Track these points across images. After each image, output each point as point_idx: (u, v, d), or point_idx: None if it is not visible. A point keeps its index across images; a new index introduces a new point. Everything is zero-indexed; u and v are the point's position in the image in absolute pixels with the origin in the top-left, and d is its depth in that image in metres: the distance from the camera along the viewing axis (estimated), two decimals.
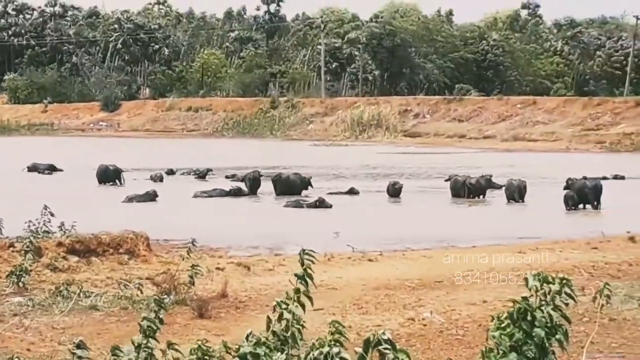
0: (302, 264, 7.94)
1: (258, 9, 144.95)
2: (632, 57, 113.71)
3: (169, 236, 27.97)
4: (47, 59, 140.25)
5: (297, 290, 7.75)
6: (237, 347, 7.15)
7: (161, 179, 50.64)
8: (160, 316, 8.38)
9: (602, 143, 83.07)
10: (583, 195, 39.58)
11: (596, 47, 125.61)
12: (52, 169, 55.84)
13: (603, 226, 31.64)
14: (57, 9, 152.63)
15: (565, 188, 40.35)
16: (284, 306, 7.66)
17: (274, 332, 7.37)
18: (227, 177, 50.54)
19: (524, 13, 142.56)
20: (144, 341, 7.79)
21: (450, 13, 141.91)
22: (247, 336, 7.07)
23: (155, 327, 7.97)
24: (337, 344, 6.43)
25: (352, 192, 44.45)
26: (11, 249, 23.12)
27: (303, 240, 18.63)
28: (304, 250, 8.15)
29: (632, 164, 60.51)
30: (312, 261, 8.03)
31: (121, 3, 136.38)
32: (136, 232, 26.30)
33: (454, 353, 12.48)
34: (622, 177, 51.54)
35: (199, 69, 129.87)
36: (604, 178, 44.16)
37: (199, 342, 7.71)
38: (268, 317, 7.57)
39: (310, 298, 7.84)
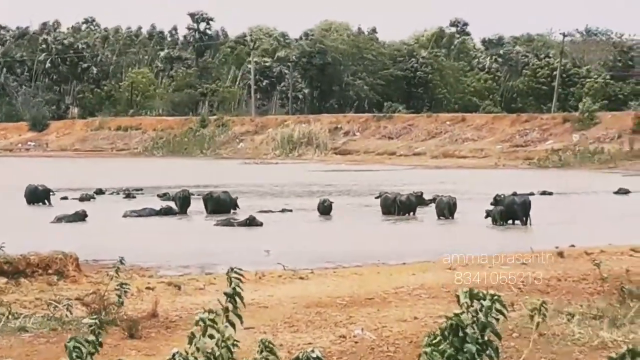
0: (230, 283, 7.95)
1: (188, 28, 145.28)
2: (559, 73, 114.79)
3: (99, 256, 27.83)
4: None
5: (226, 309, 7.75)
6: None
7: (90, 199, 50.40)
8: (100, 339, 8.35)
9: (531, 159, 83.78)
10: (512, 211, 39.87)
11: (523, 64, 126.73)
12: None
13: (532, 242, 31.82)
14: None
15: (493, 204, 40.62)
16: (208, 322, 7.68)
17: (197, 348, 7.37)
18: (158, 195, 50.50)
19: (452, 30, 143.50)
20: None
21: (373, 30, 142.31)
22: (174, 355, 7.06)
23: (84, 349, 7.94)
24: None
25: (284, 210, 44.59)
26: None
27: (234, 258, 18.63)
28: (232, 268, 8.15)
29: (559, 180, 61.10)
30: (240, 280, 8.04)
31: (49, 18, 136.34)
32: (65, 252, 26.13)
33: None
34: (550, 193, 52.00)
35: (128, 87, 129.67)
36: (532, 194, 44.49)
37: None
38: (192, 333, 7.56)
39: (239, 316, 7.84)
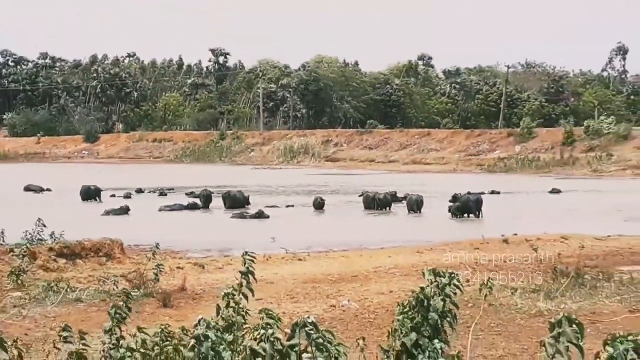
0: (244, 263, 7.91)
1: (210, 61, 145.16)
2: (504, 97, 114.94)
3: (139, 242, 27.76)
4: (39, 101, 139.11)
5: (240, 285, 7.73)
6: (193, 330, 7.09)
7: (130, 196, 50.38)
8: (129, 305, 8.29)
9: (482, 165, 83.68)
10: (467, 206, 39.84)
11: (476, 90, 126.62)
12: (44, 189, 55.48)
13: (483, 231, 31.71)
14: (48, 60, 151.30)
15: (452, 201, 40.59)
16: (230, 297, 7.64)
17: (222, 318, 7.32)
18: (186, 194, 50.30)
19: (420, 63, 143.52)
20: (114, 326, 7.70)
21: (356, 63, 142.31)
22: (198, 321, 7.01)
23: (123, 315, 7.87)
24: (272, 326, 6.37)
25: (287, 206, 44.51)
26: (11, 253, 22.87)
27: (246, 244, 18.56)
28: (245, 252, 8.13)
29: (505, 182, 61.07)
30: (252, 261, 8.01)
31: (98, 51, 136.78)
32: (112, 239, 26.15)
33: (367, 333, 12.45)
34: (498, 192, 51.94)
35: (162, 108, 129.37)
36: (483, 193, 44.41)
37: (162, 327, 7.62)
38: (218, 305, 7.52)
39: (251, 290, 7.81)
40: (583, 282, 19.00)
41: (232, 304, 7.57)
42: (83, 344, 6.87)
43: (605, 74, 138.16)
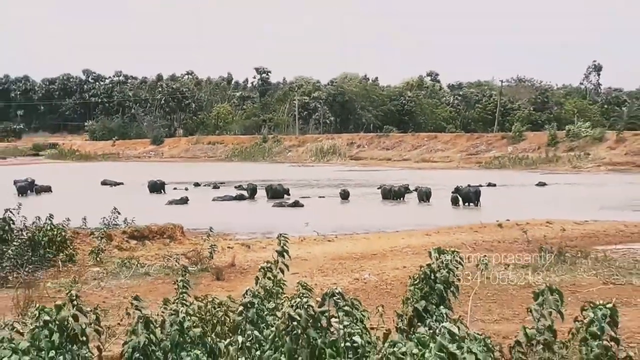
0: (280, 244, 7.91)
1: (254, 78, 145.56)
2: (499, 106, 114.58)
3: (197, 226, 27.81)
4: (114, 111, 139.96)
5: (276, 262, 7.73)
6: (240, 299, 7.09)
7: (188, 189, 50.56)
8: (187, 279, 8.30)
9: (480, 163, 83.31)
10: (467, 197, 39.75)
11: (475, 101, 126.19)
12: (118, 183, 55.83)
13: (481, 217, 31.65)
14: (121, 77, 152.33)
15: (454, 192, 40.50)
16: (268, 270, 7.65)
17: (262, 287, 7.33)
18: (235, 187, 50.42)
19: (428, 78, 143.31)
20: (181, 294, 7.72)
21: (376, 79, 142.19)
22: (246, 292, 7.01)
23: (186, 286, 7.90)
24: (306, 296, 6.35)
25: (319, 196, 44.54)
26: (91, 236, 23.04)
27: (285, 228, 18.60)
28: (280, 234, 8.13)
29: (499, 177, 60.68)
30: (286, 241, 8.01)
31: (162, 69, 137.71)
32: (174, 224, 26.38)
33: (385, 301, 12.43)
34: (494, 185, 51.77)
35: (215, 116, 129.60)
36: (481, 185, 44.23)
37: (213, 296, 7.62)
38: (257, 277, 7.52)
39: (287, 266, 7.82)
40: (564, 259, 18.95)
41: (269, 276, 7.61)
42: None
43: (582, 86, 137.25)
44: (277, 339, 6.17)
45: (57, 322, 6.11)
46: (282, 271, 7.79)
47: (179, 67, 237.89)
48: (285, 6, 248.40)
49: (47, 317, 6.13)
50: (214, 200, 43.73)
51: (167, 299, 7.42)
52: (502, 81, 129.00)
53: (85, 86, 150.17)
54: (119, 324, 10.79)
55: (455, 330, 5.29)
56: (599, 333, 5.52)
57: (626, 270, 17.92)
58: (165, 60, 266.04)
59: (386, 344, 5.69)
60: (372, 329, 6.86)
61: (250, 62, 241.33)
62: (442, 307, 7.08)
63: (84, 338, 6.26)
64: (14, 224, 20.70)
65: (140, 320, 6.65)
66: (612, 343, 5.47)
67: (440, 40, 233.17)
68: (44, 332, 6.07)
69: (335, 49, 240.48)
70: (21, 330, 6.47)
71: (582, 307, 5.89)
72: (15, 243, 19.26)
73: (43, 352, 5.90)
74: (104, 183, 56.25)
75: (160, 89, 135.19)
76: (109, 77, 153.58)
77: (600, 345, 5.38)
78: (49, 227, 20.38)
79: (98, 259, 20.48)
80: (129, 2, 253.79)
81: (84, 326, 6.29)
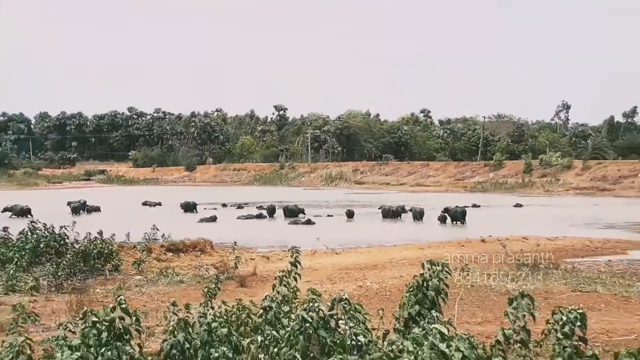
0: (292, 256, 7.90)
1: (273, 114, 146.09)
2: (482, 139, 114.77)
3: (224, 241, 27.73)
4: (154, 142, 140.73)
5: (290, 271, 7.72)
6: (260, 303, 7.10)
7: (216, 209, 50.56)
8: (219, 286, 8.31)
9: (466, 187, 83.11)
10: (455, 216, 39.63)
11: (462, 134, 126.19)
12: (157, 204, 55.91)
13: (466, 233, 31.56)
14: (160, 114, 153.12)
15: (443, 212, 40.48)
16: (284, 278, 7.65)
17: (278, 292, 7.33)
18: (257, 207, 50.41)
19: (421, 115, 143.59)
20: (208, 300, 7.73)
21: (377, 115, 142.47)
22: (265, 297, 7.01)
23: (213, 292, 7.90)
24: (316, 301, 6.35)
25: (328, 215, 44.47)
26: (134, 249, 23.08)
27: (299, 242, 18.58)
28: (293, 247, 8.13)
29: (482, 199, 60.54)
30: (299, 253, 8.01)
31: (195, 107, 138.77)
32: (205, 238, 26.32)
33: (384, 305, 12.36)
34: (478, 206, 51.57)
35: (240, 147, 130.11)
36: (467, 206, 44.08)
37: (238, 300, 7.61)
38: (273, 284, 7.52)
39: (299, 274, 7.82)
40: (538, 270, 18.90)
41: (285, 284, 7.63)
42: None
43: (553, 122, 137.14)
44: (292, 338, 6.19)
45: (105, 323, 6.15)
46: (296, 279, 7.80)
47: (210, 104, 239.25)
48: (299, 53, 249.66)
49: (95, 318, 6.17)
50: (238, 218, 43.69)
51: (188, 304, 7.45)
52: (484, 117, 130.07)
53: (129, 121, 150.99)
54: (157, 324, 10.80)
55: (445, 331, 5.30)
56: (570, 334, 5.51)
57: (591, 279, 17.87)
58: (198, 99, 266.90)
59: (385, 343, 5.69)
60: (373, 329, 6.85)
61: (270, 101, 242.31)
62: (433, 310, 7.07)
63: (128, 336, 6.30)
64: (68, 238, 20.83)
65: (179, 322, 6.69)
66: (581, 343, 5.46)
67: (433, 82, 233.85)
68: (93, 331, 6.10)
69: (342, 89, 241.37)
70: (74, 330, 6.49)
71: (553, 311, 5.89)
72: (69, 255, 19.32)
73: (92, 349, 5.93)
74: (144, 204, 56.35)
75: (193, 124, 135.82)
76: (150, 114, 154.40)
77: (571, 345, 5.36)
78: (98, 242, 20.43)
79: (139, 268, 20.50)
80: (166, 48, 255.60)
81: (128, 326, 6.32)
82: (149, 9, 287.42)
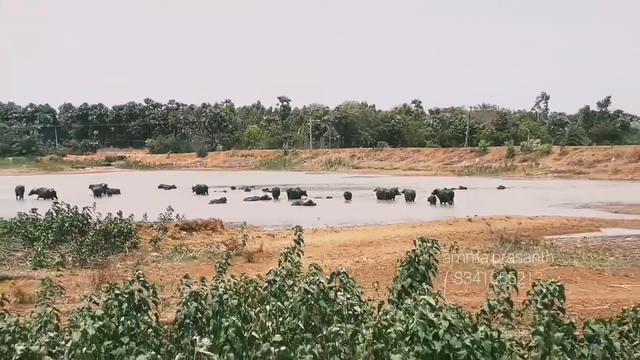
0: (296, 234, 7.91)
1: (277, 105, 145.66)
2: (468, 127, 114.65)
3: (233, 220, 27.79)
4: (168, 131, 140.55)
5: (294, 248, 7.73)
6: (266, 277, 7.12)
7: (226, 191, 50.56)
8: (228, 261, 8.32)
9: (454, 171, 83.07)
10: (444, 197, 39.75)
11: (450, 122, 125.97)
12: (172, 187, 55.94)
13: (454, 213, 31.62)
14: (174, 105, 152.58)
15: (432, 194, 40.54)
16: (289, 254, 7.66)
17: (282, 267, 7.35)
18: (263, 190, 50.48)
19: (413, 105, 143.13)
20: (219, 274, 7.76)
21: (373, 105, 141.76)
22: (270, 271, 7.02)
23: (224, 267, 7.91)
24: (317, 275, 6.36)
25: (328, 197, 44.54)
26: (151, 228, 23.11)
27: (301, 222, 18.58)
28: (297, 226, 8.14)
29: (469, 182, 60.61)
30: (301, 232, 8.02)
31: (206, 98, 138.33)
32: (215, 218, 26.40)
33: (379, 279, 12.35)
34: (465, 188, 51.64)
35: (247, 135, 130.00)
36: (455, 188, 44.08)
37: (245, 275, 7.63)
38: (279, 260, 7.53)
39: (302, 251, 7.84)
40: (520, 246, 18.94)
41: (289, 259, 7.65)
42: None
43: (534, 111, 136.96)
44: (295, 308, 6.21)
45: (125, 295, 6.18)
46: (299, 255, 7.82)
47: (219, 96, 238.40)
48: (302, 48, 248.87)
49: (117, 291, 6.20)
50: (245, 200, 43.77)
51: (203, 277, 7.49)
52: (470, 107, 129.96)
53: (146, 111, 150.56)
54: (172, 296, 10.82)
55: (433, 302, 5.31)
56: (549, 304, 5.53)
57: (568, 255, 17.92)
58: (208, 91, 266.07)
59: (380, 313, 5.70)
60: (369, 300, 6.88)
61: (274, 92, 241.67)
62: (424, 283, 7.09)
63: (146, 307, 6.32)
64: (90, 218, 20.92)
65: (192, 294, 6.72)
66: (559, 312, 5.47)
67: (424, 73, 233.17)
68: (114, 302, 6.12)
69: (341, 81, 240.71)
70: (97, 302, 6.52)
71: (534, 283, 5.90)
72: (91, 233, 19.37)
73: (114, 318, 5.95)
74: (160, 187, 56.43)
75: (204, 114, 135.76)
76: (165, 105, 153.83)
77: (550, 314, 5.38)
78: (118, 221, 20.48)
79: (156, 246, 20.56)
80: (180, 44, 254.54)
81: (146, 298, 6.35)
82: (160, 9, 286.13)
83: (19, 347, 4.44)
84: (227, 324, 6.05)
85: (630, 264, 16.51)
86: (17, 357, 4.46)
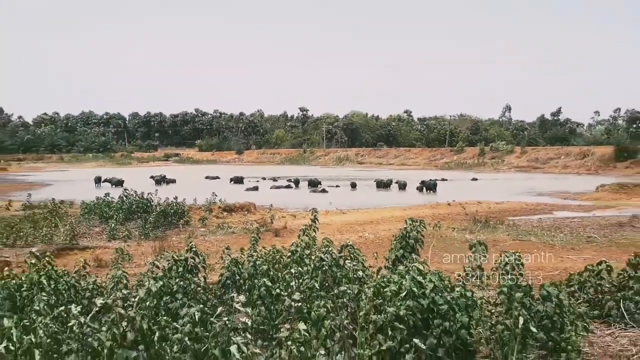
0: (312, 214, 7.90)
1: (298, 114, 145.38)
2: (449, 132, 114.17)
3: (263, 204, 27.85)
4: (213, 134, 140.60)
5: (310, 225, 7.73)
6: (289, 248, 7.12)
7: (258, 181, 50.61)
8: (260, 236, 8.33)
9: (437, 166, 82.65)
10: (429, 186, 39.57)
11: (434, 128, 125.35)
12: (215, 177, 56.06)
13: (437, 199, 31.51)
14: (217, 114, 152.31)
15: (420, 184, 40.40)
16: (306, 231, 7.66)
17: (302, 240, 7.35)
18: (287, 180, 50.47)
19: (405, 114, 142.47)
20: (252, 245, 7.78)
21: (373, 115, 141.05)
22: (293, 243, 7.03)
23: (256, 240, 7.92)
24: (329, 246, 6.38)
25: (337, 186, 44.47)
26: (200, 209, 23.21)
27: (317, 205, 18.59)
28: (313, 209, 8.12)
29: (449, 175, 60.36)
30: (317, 213, 8.02)
31: (242, 108, 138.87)
32: (250, 202, 26.40)
33: (378, 250, 12.35)
34: (445, 179, 51.25)
35: (274, 137, 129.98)
36: (437, 180, 43.90)
37: (273, 246, 7.65)
38: (299, 235, 7.53)
39: (317, 228, 7.84)
40: (489, 224, 18.84)
41: (307, 234, 7.66)
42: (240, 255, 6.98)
43: (500, 119, 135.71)
44: (312, 272, 6.23)
45: (181, 261, 6.23)
46: (315, 231, 7.83)
47: (253, 107, 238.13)
48: (316, 67, 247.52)
49: (175, 258, 6.25)
50: (272, 188, 43.80)
51: (242, 248, 7.53)
52: (450, 116, 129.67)
53: (196, 119, 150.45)
54: (216, 262, 10.87)
55: (421, 268, 5.31)
56: (511, 270, 5.52)
57: (527, 232, 17.80)
58: (244, 102, 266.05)
59: (378, 276, 5.71)
60: (370, 267, 6.88)
61: (296, 103, 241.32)
62: (413, 254, 7.09)
63: (196, 271, 6.38)
64: (152, 202, 21.08)
65: (232, 261, 6.76)
66: (519, 276, 5.46)
67: (415, 89, 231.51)
68: (173, 267, 6.18)
69: (347, 95, 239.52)
70: (158, 266, 6.57)
71: (500, 253, 5.89)
72: (153, 213, 19.53)
73: (171, 280, 6.01)
74: (206, 177, 56.50)
75: (241, 121, 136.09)
76: (210, 114, 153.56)
77: (511, 278, 5.37)
78: (174, 204, 20.62)
79: (204, 223, 20.64)
80: (221, 63, 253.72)
81: (196, 264, 6.40)
82: (204, 36, 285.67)
83: (98, 301, 4.49)
84: (259, 284, 6.09)
85: (575, 239, 16.41)
86: (96, 309, 4.51)
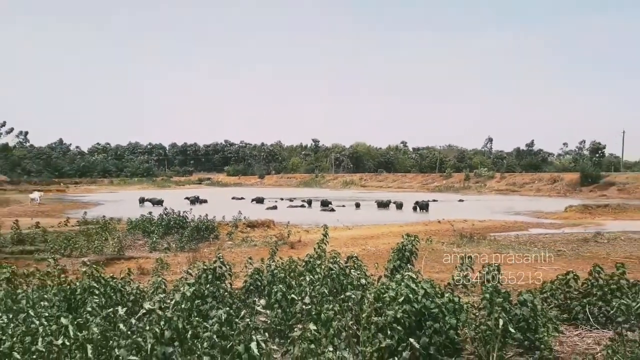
0: (323, 230, 7.88)
1: (311, 144, 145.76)
2: (439, 160, 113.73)
3: (281, 220, 27.81)
4: (239, 161, 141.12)
5: (321, 240, 7.71)
6: (303, 259, 7.10)
7: (276, 201, 50.58)
8: (278, 248, 8.29)
9: (429, 189, 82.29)
10: (422, 206, 39.37)
11: (426, 156, 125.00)
12: (241, 198, 56.13)
13: (429, 217, 31.32)
14: (242, 144, 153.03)
15: (415, 204, 40.20)
16: (319, 244, 7.63)
17: (315, 252, 7.33)
18: (302, 200, 50.35)
19: (401, 144, 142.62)
20: (271, 256, 7.75)
21: (375, 146, 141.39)
22: (306, 255, 7.01)
23: (275, 251, 7.91)
24: (337, 258, 6.36)
25: (344, 205, 44.35)
26: (227, 225, 23.18)
27: (327, 221, 18.56)
28: (324, 225, 8.09)
29: (439, 196, 60.05)
30: (327, 228, 7.99)
31: (263, 139, 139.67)
32: (270, 219, 26.32)
33: (378, 261, 12.29)
34: (436, 200, 50.97)
35: (291, 164, 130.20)
36: (429, 200, 43.66)
37: (289, 257, 7.62)
38: (314, 247, 7.50)
39: (327, 242, 7.80)
40: (473, 239, 18.70)
41: (319, 247, 7.63)
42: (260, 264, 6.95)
43: (483, 149, 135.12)
44: (322, 280, 6.21)
45: (210, 269, 6.22)
46: (325, 244, 7.81)
47: (273, 138, 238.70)
48: (328, 104, 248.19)
49: (205, 267, 6.25)
50: (288, 207, 43.72)
51: (263, 258, 7.50)
52: (440, 146, 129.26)
53: (225, 148, 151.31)
54: (241, 271, 10.84)
55: (415, 276, 5.28)
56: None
57: (506, 246, 17.61)
58: (265, 133, 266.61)
59: (379, 284, 5.68)
60: (371, 275, 6.84)
61: (310, 135, 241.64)
62: (408, 264, 7.05)
63: (224, 278, 6.36)
64: (187, 219, 21.12)
65: (254, 270, 6.74)
66: (499, 284, 5.42)
67: (410, 122, 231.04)
68: (203, 274, 6.18)
69: (353, 129, 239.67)
70: (192, 274, 6.57)
71: (483, 265, 5.85)
72: (188, 229, 19.58)
73: (202, 286, 6.00)
74: (233, 198, 56.35)
75: (263, 150, 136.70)
76: (237, 144, 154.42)
77: (493, 285, 5.33)
78: (205, 220, 20.66)
79: (230, 237, 20.63)
80: (246, 99, 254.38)
81: (224, 272, 6.39)
82: (232, 75, 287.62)
83: (146, 305, 4.49)
84: (276, 289, 6.08)
85: (547, 252, 16.22)
86: (143, 312, 4.52)
